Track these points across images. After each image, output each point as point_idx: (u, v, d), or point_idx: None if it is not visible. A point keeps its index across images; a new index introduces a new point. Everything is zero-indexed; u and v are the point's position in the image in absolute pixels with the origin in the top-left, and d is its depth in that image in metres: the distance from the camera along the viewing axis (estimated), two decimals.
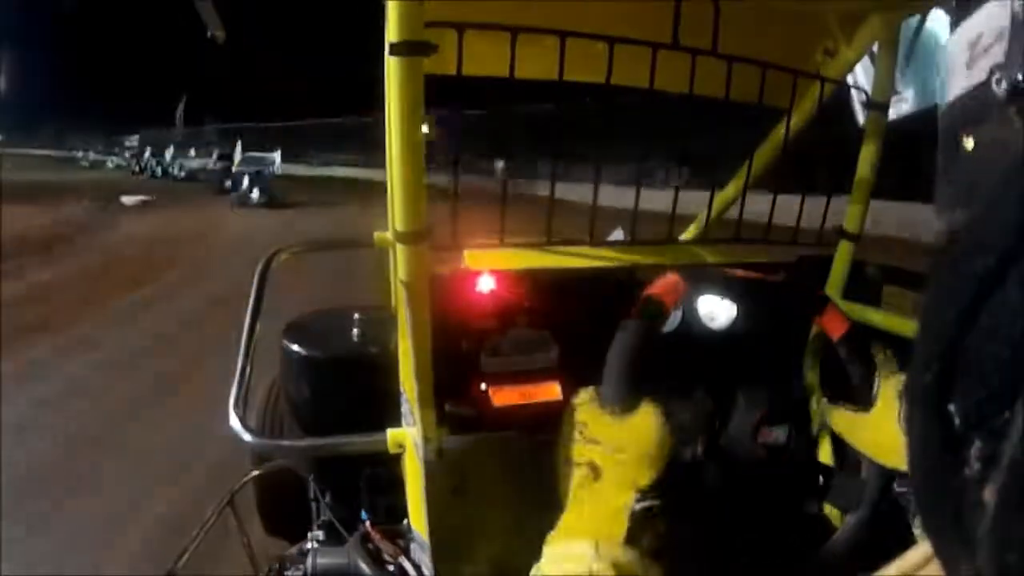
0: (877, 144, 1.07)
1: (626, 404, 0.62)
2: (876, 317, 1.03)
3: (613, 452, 0.59)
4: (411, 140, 0.71)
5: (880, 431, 0.76)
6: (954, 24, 0.37)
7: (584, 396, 0.65)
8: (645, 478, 0.58)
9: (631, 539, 0.54)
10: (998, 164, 0.30)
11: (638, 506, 0.56)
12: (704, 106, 0.97)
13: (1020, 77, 0.29)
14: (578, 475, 0.59)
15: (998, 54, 0.31)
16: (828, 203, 1.10)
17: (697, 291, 0.74)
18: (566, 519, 0.59)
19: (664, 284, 0.70)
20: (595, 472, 0.59)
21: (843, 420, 0.81)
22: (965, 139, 0.34)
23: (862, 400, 0.79)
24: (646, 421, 0.61)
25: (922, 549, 0.57)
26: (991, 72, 0.31)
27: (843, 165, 1.13)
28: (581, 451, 0.61)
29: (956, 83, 0.36)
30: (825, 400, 0.84)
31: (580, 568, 0.52)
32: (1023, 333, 0.23)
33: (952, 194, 0.38)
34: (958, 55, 0.36)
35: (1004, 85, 0.30)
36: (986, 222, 0.26)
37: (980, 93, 0.33)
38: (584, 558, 0.52)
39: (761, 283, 0.81)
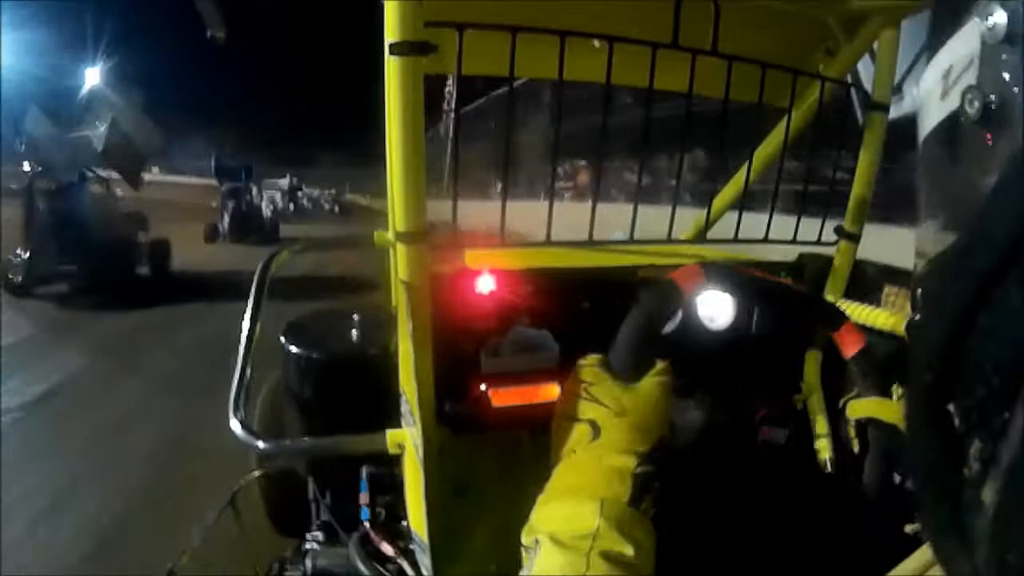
0: (877, 144, 1.06)
1: (632, 372, 0.63)
2: (876, 317, 1.02)
3: (615, 414, 0.58)
4: (411, 140, 0.71)
5: None
6: (929, 56, 0.39)
7: (592, 358, 0.65)
8: (645, 444, 0.57)
9: (634, 502, 0.53)
10: (980, 180, 0.31)
11: (640, 470, 0.55)
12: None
13: (992, 97, 0.31)
14: (578, 432, 0.59)
15: (970, 78, 0.33)
16: (828, 204, 1.10)
17: (713, 284, 0.74)
18: (564, 477, 0.57)
19: (685, 272, 0.70)
20: (595, 431, 0.58)
21: (870, 405, 0.81)
22: (945, 161, 0.37)
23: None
24: (651, 389, 0.61)
25: (923, 552, 0.57)
26: (964, 95, 0.33)
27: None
28: (583, 408, 0.60)
29: (932, 116, 0.38)
30: (852, 396, 0.84)
31: (585, 527, 0.50)
32: (1022, 334, 0.23)
33: (935, 212, 0.40)
34: (932, 90, 0.38)
35: (976, 105, 0.32)
36: (984, 226, 0.26)
37: (955, 116, 0.34)
38: (589, 517, 0.51)
39: (784, 289, 0.80)
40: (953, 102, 0.34)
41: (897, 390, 0.82)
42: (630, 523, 0.51)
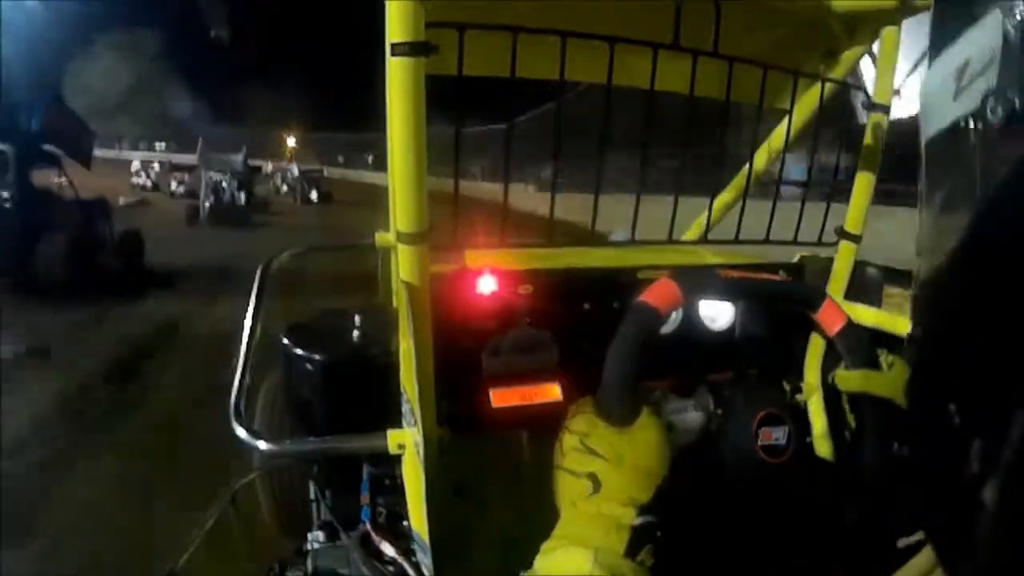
0: (878, 145, 1.06)
1: (625, 417, 0.62)
2: (876, 318, 1.02)
3: (613, 464, 0.59)
4: (413, 141, 0.71)
5: (900, 378, 0.77)
6: (933, 54, 0.36)
7: (584, 405, 0.65)
8: (645, 494, 0.58)
9: (630, 553, 0.54)
10: (993, 185, 0.29)
11: (638, 521, 0.56)
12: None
13: (1017, 102, 0.28)
14: (578, 486, 0.59)
15: (990, 79, 0.30)
16: (828, 205, 1.10)
17: (693, 296, 0.73)
18: (564, 528, 0.58)
19: (657, 290, 0.70)
20: (595, 484, 0.58)
21: (859, 377, 0.81)
22: (956, 167, 0.34)
23: None
24: (646, 435, 0.61)
25: (925, 555, 0.57)
26: (984, 98, 0.30)
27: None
28: (582, 461, 0.60)
29: (942, 114, 0.35)
30: (840, 368, 0.83)
31: (578, 573, 0.52)
32: (1022, 334, 0.23)
33: (939, 216, 0.37)
34: (943, 85, 0.35)
35: (1000, 111, 0.29)
36: (988, 230, 0.26)
37: (972, 120, 0.31)
38: (582, 566, 0.53)
39: (759, 284, 0.81)
40: (967, 105, 0.32)
41: (886, 359, 0.81)
42: (624, 573, 0.53)
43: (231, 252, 7.74)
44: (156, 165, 20.22)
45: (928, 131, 0.37)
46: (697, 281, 0.74)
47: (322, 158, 28.14)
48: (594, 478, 0.59)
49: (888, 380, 0.78)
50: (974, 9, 0.32)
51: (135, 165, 20.25)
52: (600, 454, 0.60)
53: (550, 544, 0.57)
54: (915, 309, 0.40)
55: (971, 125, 0.31)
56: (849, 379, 0.82)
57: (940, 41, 0.36)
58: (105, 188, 8.19)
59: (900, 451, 0.79)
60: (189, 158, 16.78)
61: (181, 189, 16.52)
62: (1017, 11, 0.28)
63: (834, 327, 0.81)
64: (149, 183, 18.99)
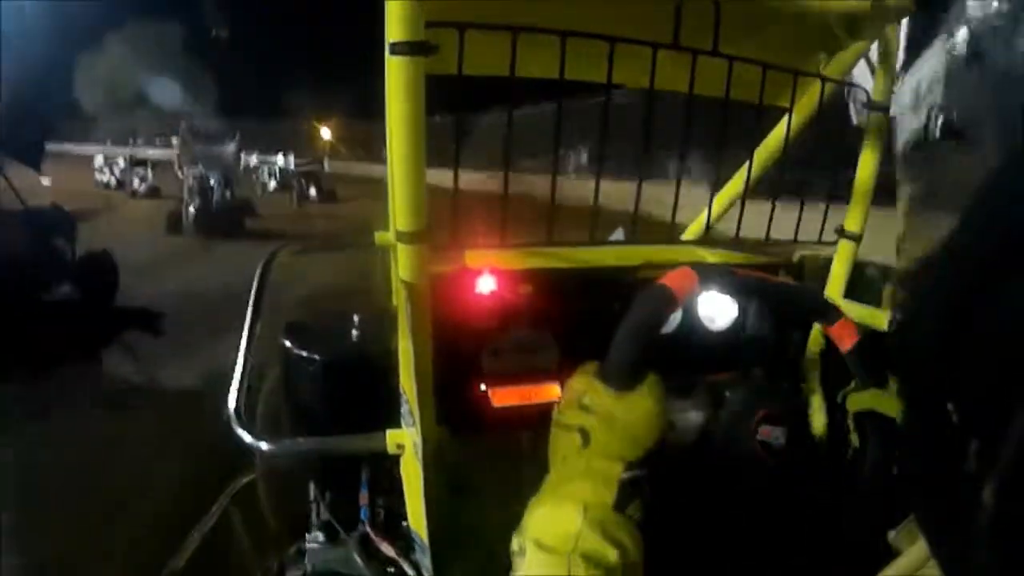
0: (878, 144, 1.07)
1: (626, 383, 0.63)
2: (876, 317, 1.02)
3: (605, 422, 0.59)
4: (412, 140, 0.71)
5: None
6: (902, 73, 0.44)
7: (587, 367, 0.66)
8: (634, 452, 0.58)
9: (619, 507, 0.55)
10: (950, 185, 0.35)
11: (626, 476, 0.56)
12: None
13: (954, 116, 0.36)
14: (568, 439, 0.60)
15: (936, 97, 0.38)
16: (828, 205, 1.10)
17: (709, 287, 0.73)
18: (552, 483, 0.59)
19: (676, 275, 0.70)
20: (585, 439, 0.59)
21: (868, 397, 0.81)
22: (919, 168, 0.41)
23: None
24: (643, 402, 0.62)
25: (920, 548, 0.57)
26: (930, 111, 0.38)
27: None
28: (575, 417, 0.61)
29: (907, 123, 0.43)
30: (850, 389, 0.83)
31: (567, 530, 0.52)
32: (1020, 334, 0.23)
33: (913, 218, 0.44)
34: (906, 100, 0.43)
35: (940, 122, 0.37)
36: (979, 227, 0.26)
37: (925, 130, 0.39)
38: (572, 521, 0.53)
39: (775, 286, 0.80)
40: (921, 119, 0.37)
41: (894, 382, 0.82)
42: (614, 526, 0.53)
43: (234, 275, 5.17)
44: (121, 160, 16.64)
45: (900, 138, 0.44)
46: (715, 273, 0.74)
47: (361, 152, 25.42)
48: (584, 432, 0.59)
49: (896, 401, 0.78)
50: (935, 28, 0.38)
51: (98, 160, 16.91)
52: (593, 411, 0.60)
53: (539, 499, 0.58)
54: (895, 302, 0.46)
55: (925, 136, 0.38)
56: (859, 399, 0.82)
57: (912, 56, 0.42)
58: (60, 191, 6.15)
59: (902, 471, 0.79)
60: (167, 152, 13.41)
61: (143, 187, 14.52)
62: (954, 36, 0.35)
63: (847, 343, 0.80)
64: (114, 180, 16.22)
